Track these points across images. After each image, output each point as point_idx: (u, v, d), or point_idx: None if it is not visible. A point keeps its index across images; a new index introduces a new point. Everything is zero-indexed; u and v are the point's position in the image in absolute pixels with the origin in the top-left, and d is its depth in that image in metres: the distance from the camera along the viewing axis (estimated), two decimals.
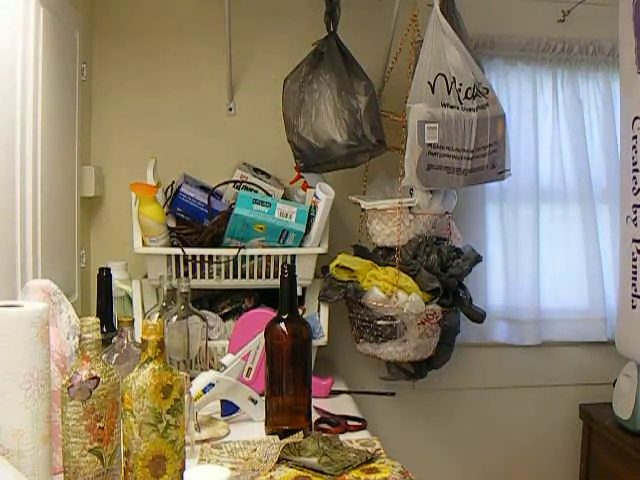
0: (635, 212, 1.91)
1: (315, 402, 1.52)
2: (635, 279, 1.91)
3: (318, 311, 1.92)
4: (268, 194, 1.97)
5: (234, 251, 1.82)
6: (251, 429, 1.47)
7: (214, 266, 1.84)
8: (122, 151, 2.14)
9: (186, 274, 1.81)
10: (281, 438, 1.38)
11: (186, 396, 1.19)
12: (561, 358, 2.42)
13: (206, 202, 1.91)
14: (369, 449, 1.34)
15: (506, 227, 2.33)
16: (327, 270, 1.93)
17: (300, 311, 1.61)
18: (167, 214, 1.87)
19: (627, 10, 1.91)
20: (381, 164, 1.99)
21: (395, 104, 1.96)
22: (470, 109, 1.83)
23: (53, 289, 1.28)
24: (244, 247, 1.82)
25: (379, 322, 1.88)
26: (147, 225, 1.77)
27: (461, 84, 1.82)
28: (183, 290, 1.69)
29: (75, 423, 1.02)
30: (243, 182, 1.99)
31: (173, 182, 1.98)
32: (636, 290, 1.90)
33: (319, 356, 1.92)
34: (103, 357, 1.08)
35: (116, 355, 1.35)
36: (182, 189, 1.91)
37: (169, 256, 1.81)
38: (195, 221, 1.89)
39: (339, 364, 2.13)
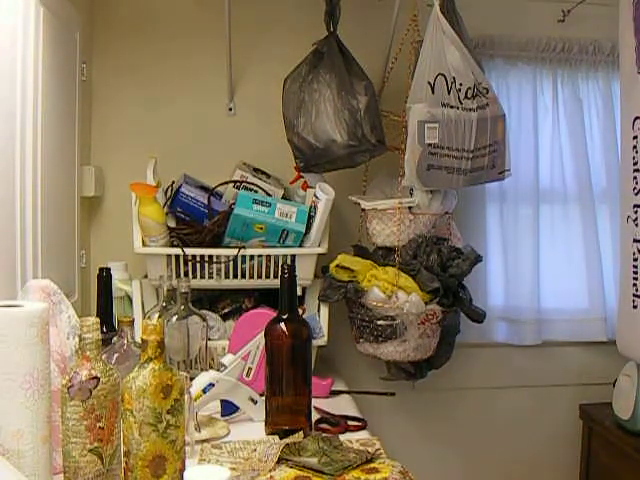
0: (636, 212, 1.91)
1: (315, 402, 1.52)
2: (636, 279, 1.91)
3: (318, 311, 1.92)
4: (268, 194, 1.97)
5: (234, 251, 1.82)
6: (251, 429, 1.47)
7: (214, 266, 1.84)
8: (122, 151, 2.14)
9: (186, 274, 1.81)
10: (281, 438, 1.38)
11: (186, 396, 1.19)
12: (561, 358, 2.42)
13: (206, 202, 1.91)
14: (369, 449, 1.34)
15: (506, 227, 2.33)
16: (327, 270, 1.93)
17: (300, 311, 1.61)
18: (167, 214, 1.87)
19: (627, 10, 1.91)
20: (381, 164, 1.99)
21: (395, 104, 1.96)
22: (470, 109, 1.83)
23: (53, 289, 1.28)
24: (244, 247, 1.82)
25: (379, 322, 1.87)
26: (147, 225, 1.77)
27: (461, 84, 1.82)
28: (183, 290, 1.69)
29: (75, 423, 1.02)
30: (243, 182, 1.99)
31: (173, 182, 1.98)
32: (637, 290, 1.90)
33: (319, 356, 1.92)
34: (103, 357, 1.08)
35: (116, 355, 1.34)
36: (182, 189, 1.91)
37: (169, 256, 1.81)
38: (195, 221, 1.89)
39: (339, 364, 2.13)
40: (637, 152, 1.90)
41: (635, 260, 1.91)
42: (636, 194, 1.91)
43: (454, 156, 1.83)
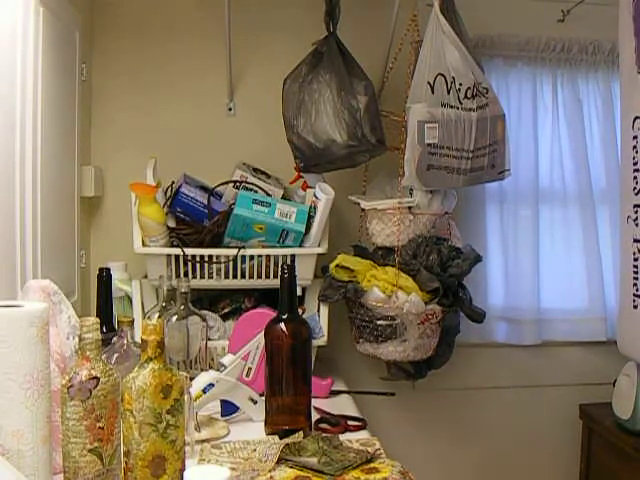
0: (636, 212, 1.91)
1: (315, 402, 1.52)
2: (636, 279, 1.90)
3: (318, 311, 1.92)
4: (268, 194, 1.97)
5: (234, 251, 1.82)
6: (251, 429, 1.47)
7: (214, 266, 1.84)
8: (122, 151, 2.14)
9: (186, 274, 1.81)
10: (281, 438, 1.38)
11: (186, 396, 1.19)
12: (561, 358, 2.42)
13: (206, 202, 1.91)
14: (369, 449, 1.34)
15: (506, 227, 2.33)
16: (327, 270, 1.93)
17: (300, 311, 1.61)
18: (167, 214, 1.87)
19: (627, 10, 1.90)
20: (381, 164, 1.99)
21: (395, 104, 1.96)
22: (470, 109, 1.83)
23: (53, 289, 1.28)
24: (244, 247, 1.82)
25: (379, 322, 1.88)
26: (147, 225, 1.77)
27: (461, 84, 1.82)
28: (183, 290, 1.69)
29: (75, 423, 1.02)
30: (243, 182, 1.99)
31: (173, 182, 1.98)
32: (637, 290, 1.90)
33: (319, 356, 1.91)
34: (103, 357, 1.08)
35: (116, 355, 1.34)
36: (182, 189, 1.91)
37: (169, 256, 1.81)
38: (195, 221, 1.89)
39: (339, 364, 2.13)
40: (637, 152, 1.90)
41: (635, 260, 1.91)
42: (636, 194, 1.91)
43: (454, 156, 1.83)
